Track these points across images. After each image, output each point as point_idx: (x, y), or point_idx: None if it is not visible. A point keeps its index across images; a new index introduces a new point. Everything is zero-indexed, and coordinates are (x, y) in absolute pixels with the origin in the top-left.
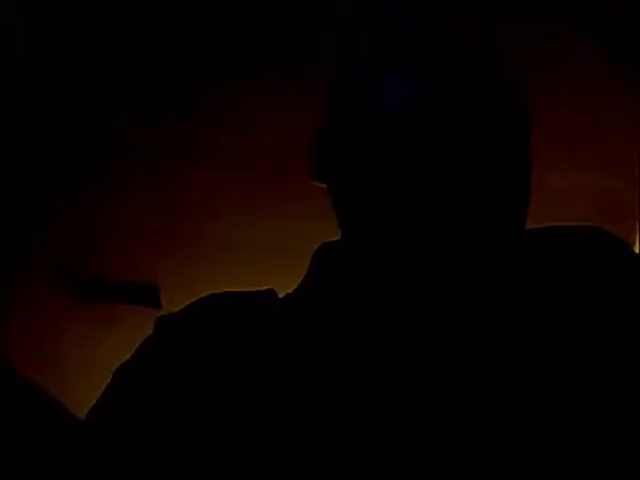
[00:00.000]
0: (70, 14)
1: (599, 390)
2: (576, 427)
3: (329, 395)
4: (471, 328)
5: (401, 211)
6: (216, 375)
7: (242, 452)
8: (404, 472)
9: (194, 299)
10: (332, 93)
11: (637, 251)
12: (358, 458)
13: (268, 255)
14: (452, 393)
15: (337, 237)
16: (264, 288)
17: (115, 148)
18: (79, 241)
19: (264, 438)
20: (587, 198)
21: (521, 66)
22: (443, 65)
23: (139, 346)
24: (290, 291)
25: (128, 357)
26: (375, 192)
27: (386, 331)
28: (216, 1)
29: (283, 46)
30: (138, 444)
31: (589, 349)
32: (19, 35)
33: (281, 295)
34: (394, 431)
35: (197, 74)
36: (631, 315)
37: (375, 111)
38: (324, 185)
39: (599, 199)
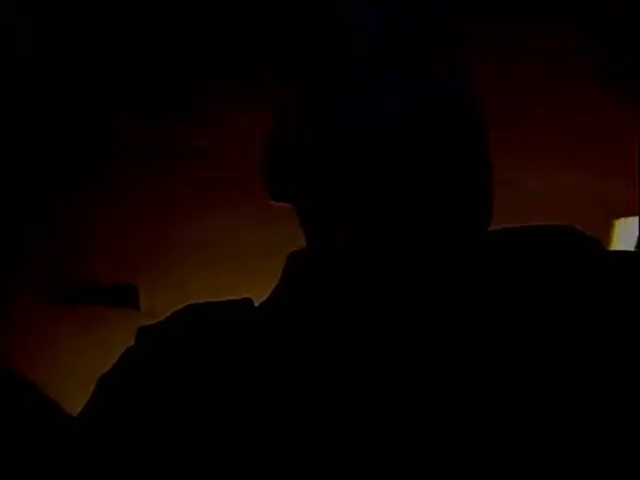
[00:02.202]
0: (70, 14)
1: (581, 386)
2: (563, 422)
3: (311, 402)
4: (445, 329)
5: (378, 216)
6: (197, 385)
7: (223, 464)
8: (401, 474)
9: (174, 309)
10: (288, 107)
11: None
12: (349, 464)
13: (254, 256)
14: (433, 394)
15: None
16: (240, 297)
17: (100, 152)
18: (61, 245)
19: (246, 448)
20: (569, 199)
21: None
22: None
23: (121, 356)
24: (264, 299)
25: (110, 367)
26: (348, 204)
27: (364, 334)
28: (217, 1)
29: (283, 48)
30: (118, 453)
31: (564, 345)
32: (19, 35)
33: (257, 304)
34: (383, 435)
35: (196, 76)
36: (603, 310)
37: (342, 126)
38: (288, 205)
39: (582, 200)
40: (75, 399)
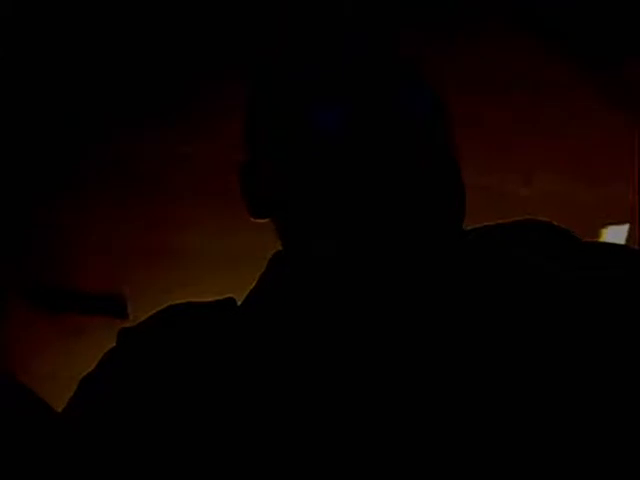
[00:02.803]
0: (56, 18)
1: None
2: (558, 419)
3: (289, 401)
4: (425, 326)
5: (378, 222)
6: (177, 385)
7: (199, 464)
8: (397, 474)
9: (154, 311)
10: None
11: None
12: (342, 462)
13: (240, 265)
14: (415, 390)
15: None
16: (223, 297)
17: (88, 160)
18: (48, 254)
19: (223, 448)
20: (552, 205)
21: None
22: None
23: (102, 357)
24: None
25: (91, 369)
26: (348, 209)
27: (344, 333)
28: (203, 10)
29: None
30: (97, 454)
31: (574, 344)
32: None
33: (239, 302)
34: (373, 433)
35: (181, 83)
36: (616, 312)
37: (310, 140)
38: (266, 220)
39: (565, 206)
40: (59, 407)
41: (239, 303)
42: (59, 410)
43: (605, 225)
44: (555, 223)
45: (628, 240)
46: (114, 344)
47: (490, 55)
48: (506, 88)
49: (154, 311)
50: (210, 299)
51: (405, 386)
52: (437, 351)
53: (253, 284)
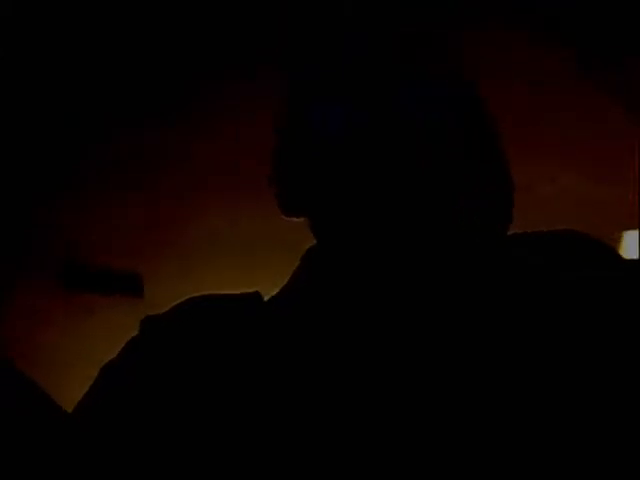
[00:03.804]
0: (56, 21)
1: (587, 385)
2: (561, 417)
3: (319, 396)
4: (454, 326)
5: (382, 221)
6: (199, 377)
7: (227, 455)
8: (401, 471)
9: (177, 298)
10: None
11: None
12: (351, 459)
13: (252, 249)
14: (440, 391)
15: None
16: (250, 290)
17: (111, 142)
18: (68, 233)
19: (250, 440)
20: (575, 203)
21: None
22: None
23: (125, 345)
24: (274, 293)
25: (114, 355)
26: (352, 210)
27: (375, 331)
28: (203, 10)
29: (269, 55)
30: (121, 443)
31: (574, 344)
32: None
33: (266, 298)
34: (387, 431)
35: (197, 71)
36: (615, 312)
37: (321, 137)
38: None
39: (587, 205)
40: (76, 384)
41: (265, 298)
42: (79, 393)
43: (621, 229)
44: (583, 233)
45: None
46: (135, 329)
47: (490, 54)
48: (506, 87)
49: (173, 292)
50: (228, 288)
51: (418, 385)
52: (443, 352)
53: (266, 270)
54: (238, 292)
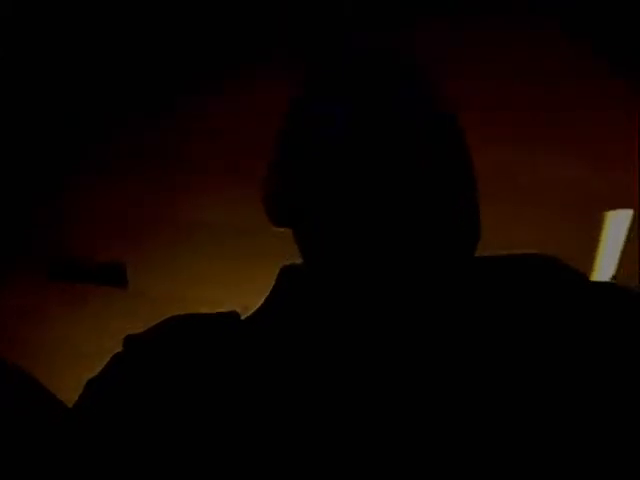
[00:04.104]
0: (56, 21)
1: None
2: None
3: (295, 416)
4: (426, 340)
5: (364, 237)
6: (180, 395)
7: (204, 472)
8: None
9: (160, 320)
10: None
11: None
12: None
13: (236, 236)
14: (424, 403)
15: None
16: (227, 310)
17: (96, 135)
18: (49, 226)
19: (229, 459)
20: (559, 191)
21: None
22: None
23: (108, 362)
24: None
25: (98, 372)
26: (337, 224)
27: (351, 346)
28: (204, 10)
29: (263, 54)
30: (101, 458)
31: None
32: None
33: (244, 316)
34: (379, 441)
35: (191, 62)
36: (581, 329)
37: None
38: (288, 228)
39: (572, 192)
40: (62, 374)
41: (243, 317)
42: (64, 382)
43: (610, 210)
44: (554, 257)
45: (632, 226)
46: (114, 314)
47: (491, 48)
48: (517, 76)
49: (156, 280)
50: (209, 279)
51: (413, 397)
52: (443, 362)
53: (249, 259)
54: (219, 310)
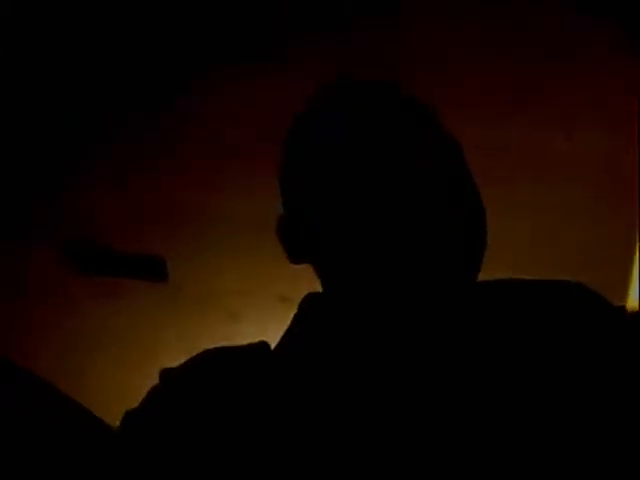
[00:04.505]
0: (56, 21)
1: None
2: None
3: (327, 449)
4: (449, 367)
5: (382, 268)
6: (215, 429)
7: None
8: None
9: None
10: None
11: None
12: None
13: (269, 231)
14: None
15: None
16: (256, 341)
17: (135, 126)
18: (85, 219)
19: None
20: (591, 159)
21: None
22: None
23: (145, 396)
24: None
25: (136, 405)
26: (354, 256)
27: (378, 381)
28: (203, 11)
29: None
30: None
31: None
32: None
33: (273, 346)
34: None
35: (205, 57)
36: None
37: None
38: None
39: (603, 161)
40: (101, 369)
41: (272, 346)
42: (106, 379)
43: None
44: (586, 285)
45: None
46: (152, 305)
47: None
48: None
49: (195, 275)
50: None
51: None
52: (441, 405)
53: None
54: (247, 343)
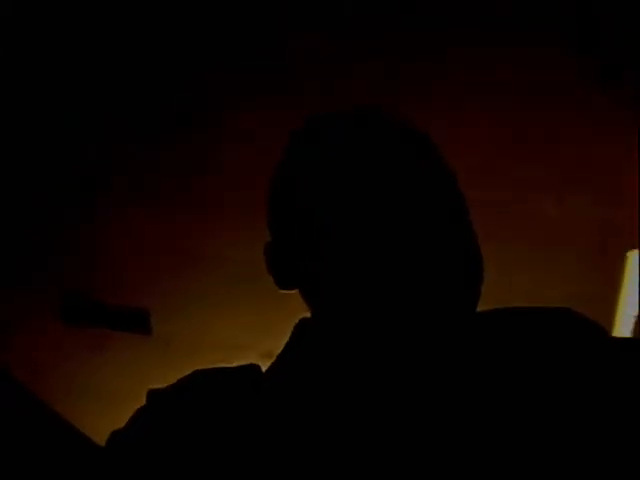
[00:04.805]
0: (56, 21)
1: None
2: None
3: (314, 475)
4: (440, 398)
5: (376, 294)
6: (200, 449)
7: None
8: None
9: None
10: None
11: None
12: None
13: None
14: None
15: None
16: (247, 363)
17: (113, 169)
18: (76, 264)
19: None
20: (582, 226)
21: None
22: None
23: (131, 417)
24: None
25: (122, 427)
26: (341, 284)
27: (370, 407)
28: (204, 11)
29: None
30: None
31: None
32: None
33: (264, 368)
34: None
35: (206, 91)
36: (597, 389)
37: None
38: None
39: (594, 227)
40: (86, 415)
41: (264, 369)
42: (88, 423)
43: (632, 249)
44: (577, 312)
45: None
46: (138, 359)
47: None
48: (541, 113)
49: (180, 323)
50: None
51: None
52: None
53: (277, 298)
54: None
